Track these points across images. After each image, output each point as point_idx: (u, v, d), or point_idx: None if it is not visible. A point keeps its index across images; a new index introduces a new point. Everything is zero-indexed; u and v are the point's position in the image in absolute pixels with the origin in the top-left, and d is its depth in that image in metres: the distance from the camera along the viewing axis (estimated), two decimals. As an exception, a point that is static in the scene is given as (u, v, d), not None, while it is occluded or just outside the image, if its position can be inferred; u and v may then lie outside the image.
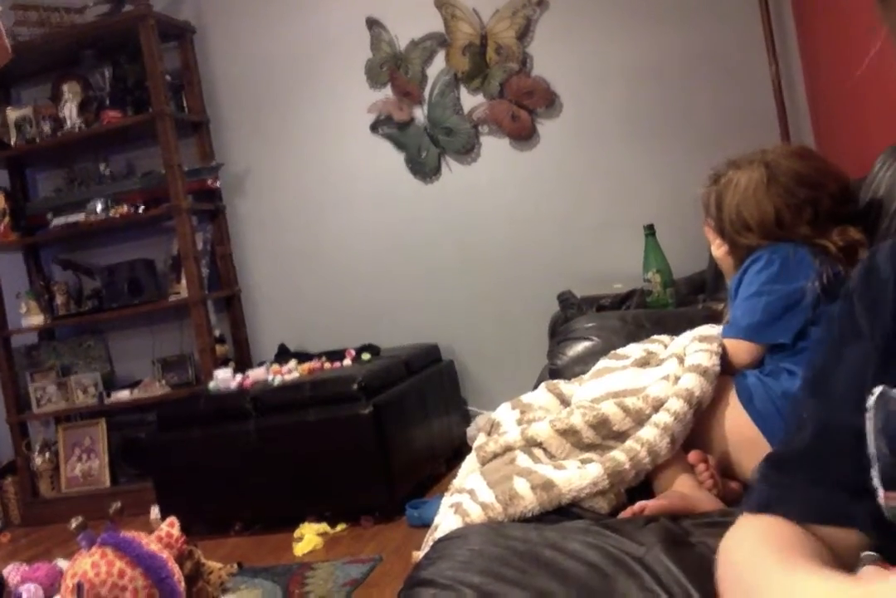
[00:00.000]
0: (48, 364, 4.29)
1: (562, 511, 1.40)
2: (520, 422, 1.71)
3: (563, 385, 1.86)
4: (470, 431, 3.79)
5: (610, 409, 1.56)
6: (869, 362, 0.77)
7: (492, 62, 3.85)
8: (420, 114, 3.97)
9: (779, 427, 1.52)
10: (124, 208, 3.96)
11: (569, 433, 1.56)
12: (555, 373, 2.25)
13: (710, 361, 1.59)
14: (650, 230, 2.95)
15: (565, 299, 3.21)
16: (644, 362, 1.74)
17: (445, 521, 1.43)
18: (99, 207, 3.97)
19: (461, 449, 3.68)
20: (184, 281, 3.93)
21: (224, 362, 3.97)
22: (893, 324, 0.76)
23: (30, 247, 4.36)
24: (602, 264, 3.69)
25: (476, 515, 1.39)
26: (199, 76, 4.20)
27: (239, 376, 3.52)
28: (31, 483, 4.13)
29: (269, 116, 4.14)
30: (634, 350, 1.82)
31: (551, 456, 1.56)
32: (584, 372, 1.89)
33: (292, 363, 3.61)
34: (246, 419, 3.26)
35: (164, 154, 3.87)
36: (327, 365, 3.62)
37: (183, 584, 2.16)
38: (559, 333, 2.50)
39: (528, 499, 1.39)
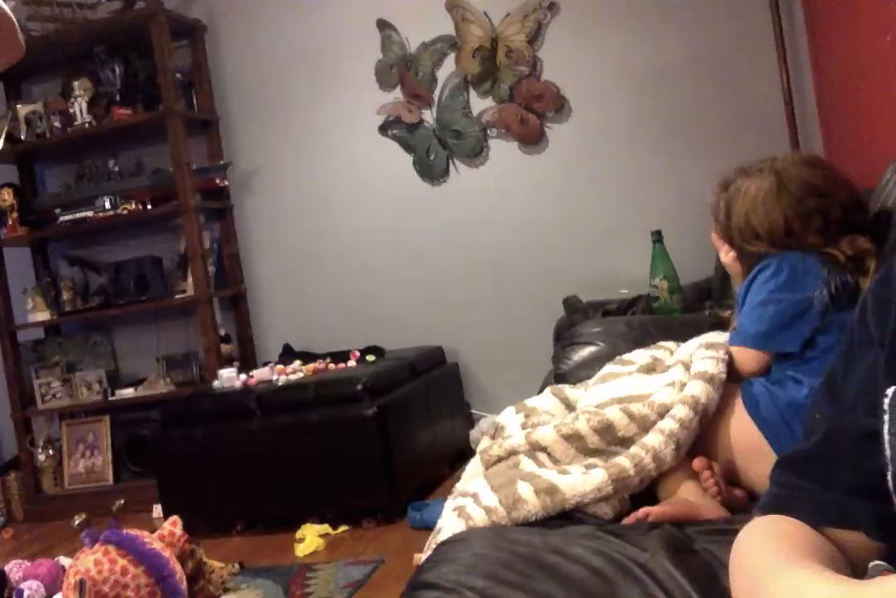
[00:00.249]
0: (53, 360, 4.29)
1: (565, 516, 1.40)
2: (524, 426, 1.71)
3: (568, 390, 1.86)
4: (473, 434, 3.79)
5: (615, 415, 1.56)
6: (879, 364, 0.77)
7: (502, 65, 3.85)
8: (429, 116, 3.97)
9: (784, 435, 1.52)
10: (132, 205, 3.97)
11: (573, 438, 1.56)
12: (560, 377, 2.25)
13: (716, 368, 1.59)
14: (657, 236, 2.94)
15: (571, 304, 3.21)
16: (650, 369, 1.74)
17: (448, 524, 1.42)
18: (107, 204, 3.98)
19: (464, 452, 3.68)
20: (190, 279, 3.93)
21: (229, 361, 3.97)
22: None
23: (37, 242, 4.37)
24: (608, 270, 3.69)
25: (479, 518, 1.39)
26: (210, 74, 4.21)
27: (243, 376, 3.52)
28: (35, 479, 4.13)
29: (279, 115, 4.15)
30: (640, 356, 1.81)
31: (556, 461, 1.57)
32: (589, 377, 1.89)
33: (297, 363, 3.62)
34: (250, 419, 3.26)
35: (172, 152, 3.87)
36: (332, 366, 3.62)
37: (184, 583, 2.16)
38: (564, 337, 2.50)
39: (532, 503, 1.39)
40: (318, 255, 4.15)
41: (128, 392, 4.04)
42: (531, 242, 3.87)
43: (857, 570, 0.74)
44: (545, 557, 1.13)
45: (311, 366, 3.58)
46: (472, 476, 1.64)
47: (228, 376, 3.51)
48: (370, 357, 3.62)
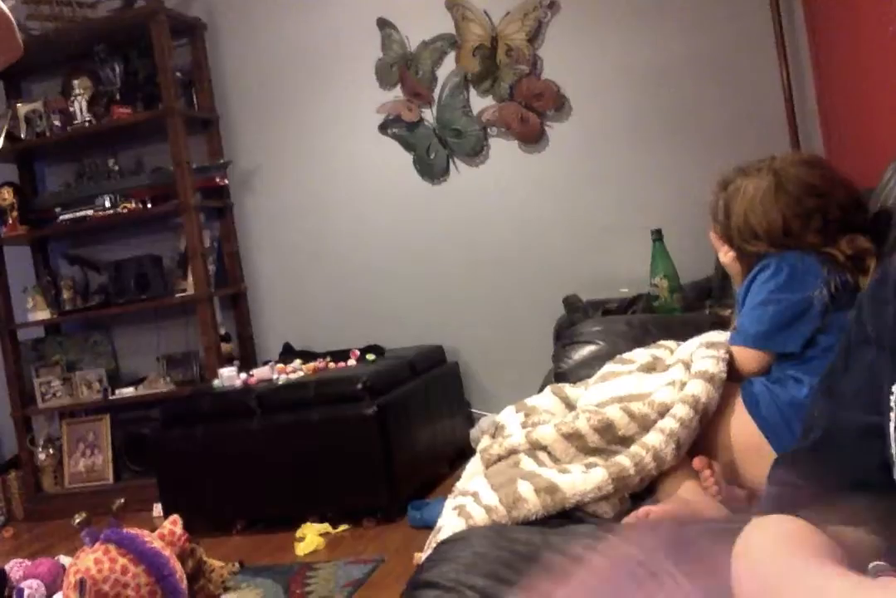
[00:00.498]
0: (54, 359, 4.29)
1: (566, 515, 1.40)
2: (524, 425, 1.71)
3: (568, 389, 1.86)
4: (473, 433, 3.79)
5: (615, 414, 1.56)
6: (879, 364, 0.77)
7: (502, 64, 3.85)
8: (429, 115, 3.97)
9: (784, 435, 1.52)
10: (132, 204, 3.96)
11: (574, 437, 1.56)
12: (560, 376, 2.25)
13: (716, 367, 1.59)
14: (657, 235, 2.94)
15: (571, 303, 3.21)
16: (650, 368, 1.74)
17: (449, 523, 1.43)
18: (107, 203, 3.98)
19: (464, 451, 3.68)
20: (190, 278, 3.93)
21: (229, 360, 3.97)
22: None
23: (37, 241, 4.36)
24: (609, 268, 3.69)
25: (480, 517, 1.40)
26: (210, 73, 4.20)
27: (244, 375, 3.52)
28: (35, 478, 4.13)
29: (279, 114, 4.15)
30: (641, 355, 1.81)
31: (556, 460, 1.57)
32: (589, 376, 1.89)
33: (297, 362, 3.62)
34: (250, 418, 3.26)
35: (172, 150, 3.87)
36: (332, 365, 3.62)
37: (185, 582, 2.16)
38: (565, 336, 2.50)
39: (532, 502, 1.39)
40: (318, 253, 4.15)
41: (128, 391, 4.04)
42: (531, 240, 3.87)
43: (855, 564, 0.74)
44: (545, 556, 1.13)
45: (312, 365, 3.58)
46: (473, 475, 1.64)
47: (229, 375, 3.51)
48: (370, 356, 3.62)
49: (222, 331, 4.13)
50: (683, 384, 1.59)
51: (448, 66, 3.93)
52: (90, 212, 4.00)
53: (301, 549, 2.96)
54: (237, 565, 2.52)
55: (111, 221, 4.03)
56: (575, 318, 3.03)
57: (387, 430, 3.13)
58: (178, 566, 2.18)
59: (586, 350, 2.29)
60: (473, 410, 3.97)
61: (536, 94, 3.82)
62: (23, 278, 4.24)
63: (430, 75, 3.95)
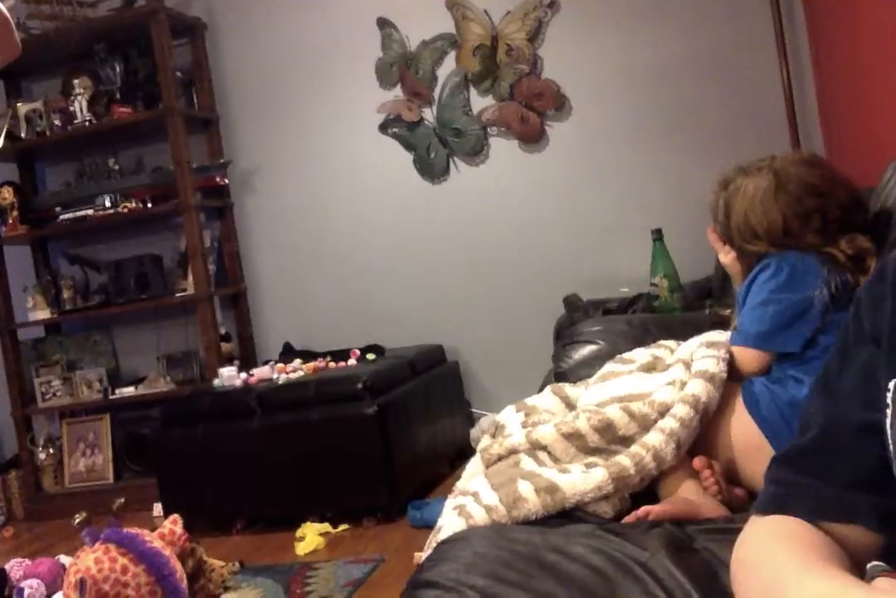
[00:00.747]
0: (54, 359, 4.29)
1: (566, 515, 1.40)
2: (524, 425, 1.71)
3: (568, 388, 1.86)
4: (473, 432, 3.78)
5: (615, 413, 1.56)
6: (876, 360, 0.77)
7: (502, 64, 3.85)
8: (429, 114, 3.97)
9: (784, 434, 1.52)
10: (132, 204, 3.96)
11: (574, 437, 1.56)
12: (560, 376, 2.25)
13: (717, 367, 1.59)
14: (658, 235, 2.94)
15: (571, 302, 3.21)
16: (650, 367, 1.74)
17: (449, 523, 1.42)
18: (107, 202, 3.98)
19: (464, 451, 3.68)
20: (190, 278, 3.93)
21: (229, 360, 3.97)
22: (893, 319, 0.76)
23: (38, 241, 4.37)
24: (609, 268, 3.69)
25: (480, 517, 1.39)
26: (210, 73, 4.20)
27: (244, 374, 3.52)
28: (35, 478, 4.13)
29: (279, 114, 4.15)
30: (641, 355, 1.81)
31: (556, 460, 1.57)
32: (589, 376, 1.89)
33: (297, 362, 3.62)
34: (250, 417, 3.26)
35: (173, 150, 3.87)
36: (332, 364, 3.62)
37: (185, 581, 2.16)
38: (565, 336, 2.50)
39: (532, 502, 1.39)
40: (318, 253, 4.15)
41: (128, 391, 4.04)
42: (531, 240, 3.87)
43: (854, 563, 0.74)
44: (545, 556, 1.13)
45: (312, 364, 3.58)
46: (473, 475, 1.64)
47: (229, 375, 3.51)
48: (370, 356, 3.62)
49: (222, 331, 4.13)
50: (684, 384, 1.59)
51: (448, 65, 3.93)
52: (90, 211, 4.00)
53: (301, 549, 2.96)
54: (237, 564, 2.52)
55: (111, 221, 4.03)
56: (575, 317, 3.03)
57: (387, 429, 3.13)
58: (178, 565, 2.18)
59: (586, 350, 2.29)
60: (473, 409, 3.97)
61: (536, 93, 3.82)
62: (23, 278, 4.24)
63: (431, 75, 3.95)
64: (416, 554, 2.46)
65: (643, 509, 1.40)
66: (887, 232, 1.64)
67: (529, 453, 1.58)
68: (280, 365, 3.58)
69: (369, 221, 4.07)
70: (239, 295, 4.23)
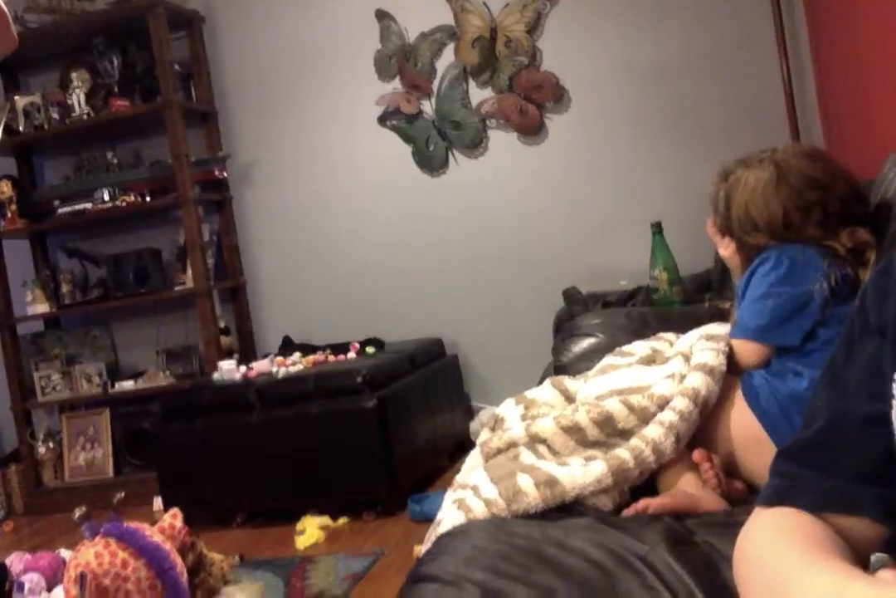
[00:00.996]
0: (53, 353, 4.29)
1: (565, 508, 1.40)
2: (524, 418, 1.71)
3: (567, 382, 1.86)
4: (473, 426, 3.79)
5: (615, 406, 1.56)
6: (881, 353, 0.77)
7: (501, 56, 3.84)
8: (428, 107, 3.96)
9: (784, 427, 1.51)
10: (131, 197, 3.96)
11: (573, 430, 1.56)
12: (560, 369, 2.25)
13: (716, 360, 1.59)
14: (657, 228, 2.94)
15: (571, 296, 3.20)
16: (650, 360, 1.74)
17: (448, 516, 1.42)
18: (106, 196, 3.97)
19: (464, 444, 3.69)
20: (189, 271, 3.93)
21: (229, 354, 3.97)
22: None
23: (36, 235, 4.36)
24: (608, 261, 3.69)
25: (479, 511, 1.39)
26: (208, 66, 4.19)
27: (243, 368, 3.52)
28: (35, 472, 4.13)
29: (277, 107, 4.14)
30: (640, 348, 1.81)
31: (555, 453, 1.56)
32: (588, 369, 1.89)
33: (296, 356, 3.62)
34: (250, 411, 3.26)
35: (171, 144, 3.87)
36: (331, 358, 3.62)
37: (185, 575, 2.16)
38: (564, 329, 2.50)
39: (532, 496, 1.39)
40: (317, 246, 4.14)
41: (128, 385, 4.04)
42: (531, 233, 3.86)
43: (858, 555, 0.74)
44: (545, 549, 1.13)
45: (311, 358, 3.58)
46: (472, 468, 1.64)
47: (228, 369, 3.51)
48: (370, 349, 3.62)
49: (222, 324, 4.13)
50: (683, 377, 1.59)
51: (447, 57, 3.92)
52: (89, 205, 4.00)
53: (301, 542, 2.97)
54: (237, 558, 2.52)
55: (110, 215, 4.02)
56: (574, 310, 3.03)
57: (386, 423, 3.13)
58: (178, 559, 2.18)
59: (586, 343, 2.29)
60: (473, 403, 3.97)
61: (536, 85, 3.81)
62: (22, 272, 4.23)
63: (429, 67, 3.94)
64: (416, 548, 2.47)
65: (642, 502, 1.40)
66: (887, 225, 1.64)
67: (529, 446, 1.58)
68: (279, 359, 3.58)
69: (368, 213, 4.06)
70: (238, 289, 4.23)
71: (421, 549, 1.38)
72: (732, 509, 1.43)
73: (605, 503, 1.43)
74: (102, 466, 4.10)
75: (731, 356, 1.64)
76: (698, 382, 1.55)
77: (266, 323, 4.26)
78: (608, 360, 1.81)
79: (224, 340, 4.04)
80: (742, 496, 1.52)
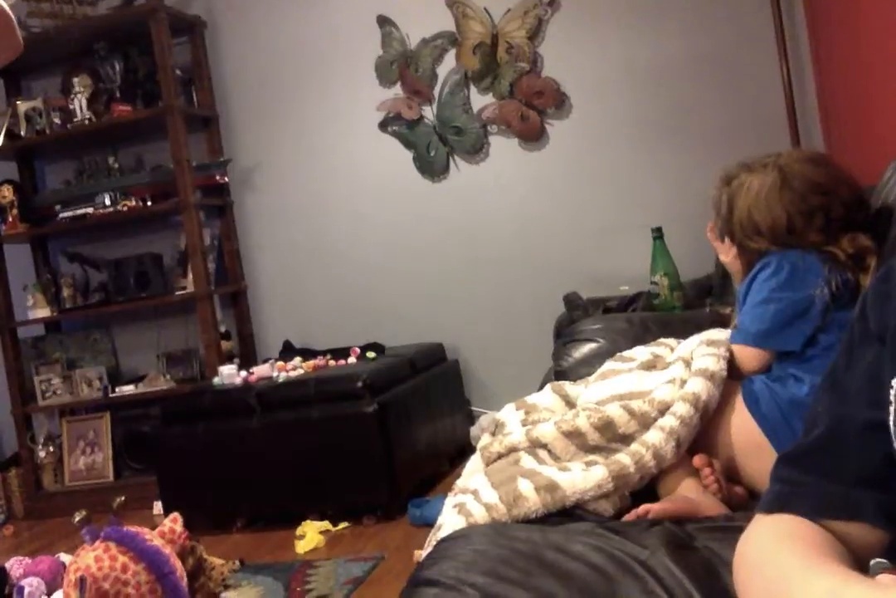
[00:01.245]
0: (54, 357, 4.29)
1: (566, 513, 1.40)
2: (524, 423, 1.71)
3: (568, 387, 1.86)
4: (473, 431, 3.79)
5: (615, 411, 1.56)
6: (881, 359, 0.78)
7: (502, 62, 3.85)
8: (429, 112, 3.97)
9: (784, 433, 1.52)
10: (132, 202, 3.96)
11: (574, 435, 1.56)
12: (560, 374, 2.25)
13: (717, 365, 1.59)
14: (658, 233, 2.94)
15: (571, 301, 3.20)
16: (650, 366, 1.74)
17: (449, 521, 1.42)
18: (107, 201, 3.97)
19: (464, 449, 3.69)
20: (190, 276, 3.93)
21: (229, 358, 3.97)
22: None
23: (37, 239, 4.36)
24: (609, 266, 3.69)
25: (480, 515, 1.39)
26: (209, 71, 4.20)
27: (244, 372, 3.52)
28: (35, 476, 4.13)
29: (279, 112, 4.15)
30: (641, 353, 1.81)
31: (556, 458, 1.56)
32: (589, 374, 1.89)
33: (297, 360, 3.62)
34: (250, 415, 3.26)
35: (172, 148, 3.87)
36: (332, 363, 3.62)
37: (185, 580, 2.16)
38: (565, 334, 2.50)
39: (532, 500, 1.39)
40: (318, 251, 4.15)
41: (128, 389, 4.04)
42: (531, 238, 3.87)
43: (858, 561, 0.74)
44: (545, 554, 1.13)
45: (312, 363, 3.58)
46: (473, 473, 1.64)
47: (229, 373, 3.51)
48: (370, 354, 3.62)
49: (222, 329, 4.13)
50: (684, 382, 1.59)
51: (448, 63, 3.93)
52: (90, 210, 4.00)
53: (301, 547, 2.96)
54: (237, 562, 2.51)
55: (111, 219, 4.02)
56: (575, 316, 3.03)
57: (387, 428, 3.13)
58: (178, 563, 2.17)
59: (586, 348, 2.29)
60: (473, 408, 3.97)
61: (537, 91, 3.82)
62: (23, 276, 4.24)
63: (431, 73, 3.95)
64: (416, 552, 2.46)
65: (643, 507, 1.40)
66: (887, 230, 1.64)
67: (529, 451, 1.58)
68: (280, 363, 3.58)
69: (369, 219, 4.06)
70: (239, 293, 4.23)
71: (421, 554, 1.38)
72: (733, 514, 1.43)
73: (605, 508, 1.43)
74: (102, 470, 4.10)
75: (731, 361, 1.64)
76: (699, 387, 1.55)
77: (267, 327, 4.26)
78: (609, 365, 1.81)
79: (225, 344, 4.04)
80: (742, 501, 1.52)
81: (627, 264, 3.49)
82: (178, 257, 4.17)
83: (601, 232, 3.77)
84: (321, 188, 4.12)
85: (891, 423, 0.74)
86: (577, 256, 3.79)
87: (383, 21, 3.97)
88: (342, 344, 3.85)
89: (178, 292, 4.03)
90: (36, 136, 4.09)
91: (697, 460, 1.53)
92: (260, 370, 3.53)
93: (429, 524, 1.95)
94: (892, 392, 0.74)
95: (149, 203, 3.99)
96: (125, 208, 3.96)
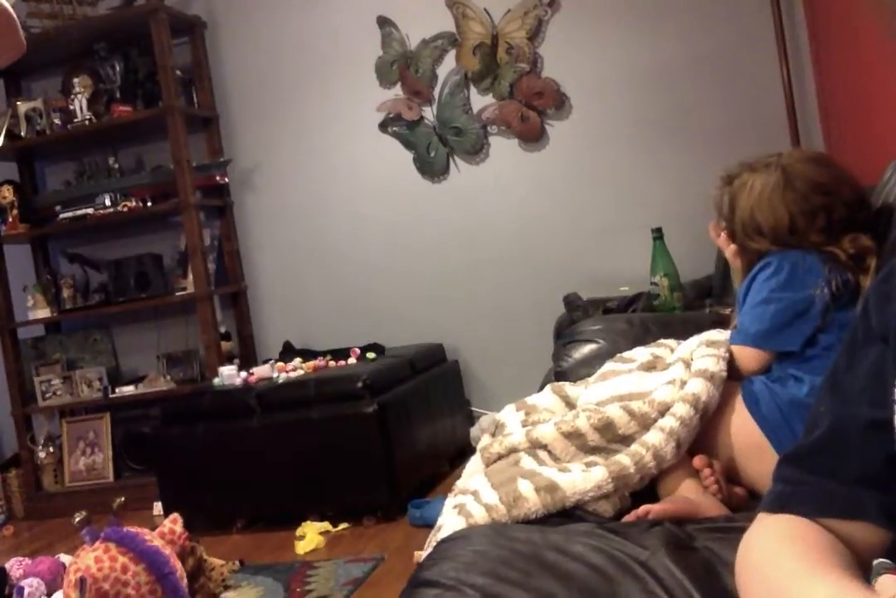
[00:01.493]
0: (54, 357, 4.30)
1: (566, 514, 1.40)
2: (524, 424, 1.71)
3: (568, 387, 1.86)
4: (473, 431, 3.79)
5: (615, 412, 1.56)
6: (884, 359, 0.78)
7: (502, 62, 3.85)
8: (429, 113, 3.97)
9: (784, 433, 1.51)
10: (132, 203, 3.97)
11: (574, 436, 1.56)
12: (560, 375, 2.25)
13: (717, 366, 1.59)
14: (658, 233, 2.94)
15: (571, 301, 3.20)
16: (650, 366, 1.74)
17: (449, 522, 1.42)
18: (107, 201, 3.98)
19: (464, 450, 3.69)
20: (190, 276, 3.93)
21: (229, 359, 3.97)
22: None
23: (38, 239, 4.37)
24: (609, 267, 3.69)
25: (480, 516, 1.39)
26: (210, 71, 4.21)
27: (244, 373, 3.52)
28: (35, 477, 4.13)
29: (279, 112, 4.15)
30: (641, 354, 1.81)
31: (556, 459, 1.56)
32: (589, 375, 1.88)
33: (297, 361, 3.62)
34: (250, 416, 3.26)
35: (173, 149, 3.87)
36: (332, 363, 3.62)
37: (185, 580, 2.16)
38: (565, 335, 2.49)
39: (532, 501, 1.39)
40: (318, 252, 4.15)
41: (128, 390, 4.04)
42: (531, 239, 3.87)
43: (861, 562, 0.74)
44: (545, 554, 1.13)
45: (312, 363, 3.58)
46: (473, 474, 1.64)
47: (229, 374, 3.51)
48: (370, 355, 3.62)
49: (222, 329, 4.13)
50: (684, 383, 1.59)
51: (448, 64, 3.93)
52: (90, 210, 4.01)
53: (301, 547, 2.96)
54: (237, 563, 2.52)
55: (111, 220, 4.02)
56: (575, 316, 3.02)
57: (387, 428, 3.13)
58: (178, 564, 2.18)
59: (586, 349, 2.29)
60: (473, 408, 3.97)
61: (537, 92, 3.82)
62: (23, 277, 4.24)
63: (431, 73, 3.95)
64: (416, 553, 2.46)
65: (643, 507, 1.39)
66: (887, 231, 1.64)
67: (529, 452, 1.58)
68: (280, 364, 3.58)
69: (369, 219, 4.07)
70: (239, 294, 4.23)
71: (421, 554, 1.38)
72: (733, 514, 1.42)
73: (605, 509, 1.43)
74: (102, 470, 4.10)
75: (731, 362, 1.64)
76: (699, 388, 1.55)
77: (267, 328, 4.26)
78: (609, 366, 1.81)
79: (225, 345, 4.04)
80: (742, 502, 1.52)
81: (627, 265, 3.49)
82: (178, 258, 4.17)
83: (601, 233, 3.77)
84: (321, 189, 4.12)
85: (895, 422, 0.74)
86: (577, 257, 3.79)
87: (383, 22, 3.97)
88: (342, 345, 3.86)
89: (178, 293, 4.03)
90: (36, 136, 4.09)
91: (697, 460, 1.53)
92: (260, 371, 3.53)
93: (429, 524, 1.95)
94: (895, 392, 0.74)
95: (149, 204, 3.99)
96: (125, 209, 3.96)
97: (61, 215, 4.07)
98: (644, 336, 2.14)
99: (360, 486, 3.15)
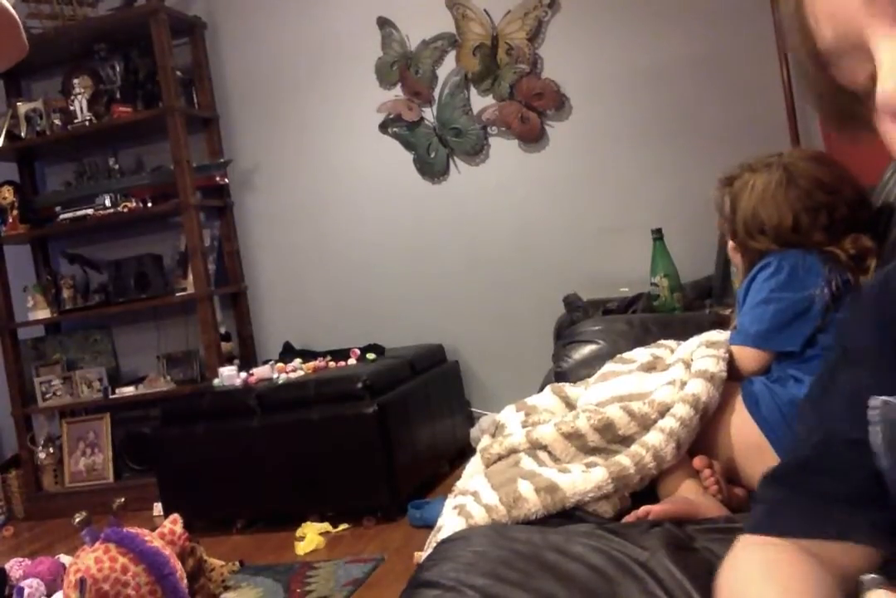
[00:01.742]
0: (54, 358, 4.30)
1: (566, 515, 1.40)
2: (524, 424, 1.71)
3: (568, 388, 1.86)
4: (473, 432, 3.79)
5: (615, 413, 1.56)
6: (860, 380, 0.77)
7: (502, 63, 3.85)
8: (429, 114, 3.97)
9: (784, 434, 1.51)
10: (132, 203, 3.97)
11: (574, 437, 1.55)
12: (560, 376, 2.25)
13: (717, 366, 1.59)
14: (658, 234, 2.94)
15: (571, 302, 3.20)
16: (650, 367, 1.73)
17: (449, 522, 1.42)
18: (107, 202, 3.98)
19: (464, 450, 3.69)
20: (190, 277, 3.93)
21: (229, 359, 3.97)
22: (881, 335, 0.76)
23: (38, 240, 4.37)
24: (609, 268, 3.69)
25: (480, 517, 1.39)
26: (210, 72, 4.21)
27: (244, 374, 3.52)
28: (35, 477, 4.13)
29: (279, 113, 4.15)
30: (641, 354, 1.81)
31: (556, 459, 1.56)
32: (589, 375, 1.88)
33: (297, 362, 3.62)
34: (250, 417, 3.26)
35: (173, 149, 3.87)
36: (332, 364, 3.62)
37: (185, 581, 2.16)
38: (565, 335, 2.50)
39: (532, 502, 1.39)
40: (318, 253, 4.15)
41: (128, 390, 4.04)
42: (531, 239, 3.87)
43: (845, 585, 0.73)
44: (545, 555, 1.13)
45: (312, 364, 3.58)
46: (473, 474, 1.64)
47: (229, 374, 3.51)
48: (370, 355, 3.62)
49: (222, 330, 4.13)
50: (684, 384, 1.59)
51: (448, 65, 3.93)
52: (90, 211, 4.01)
53: (301, 548, 2.96)
54: (237, 564, 2.52)
55: (111, 220, 4.03)
56: (575, 317, 3.02)
57: (387, 429, 3.13)
58: (178, 565, 2.18)
59: (586, 349, 2.29)
60: (473, 409, 3.97)
61: (537, 93, 3.82)
62: (23, 277, 4.24)
63: (431, 74, 3.95)
64: (416, 554, 2.46)
65: (643, 508, 1.39)
66: (887, 231, 1.64)
67: (529, 452, 1.58)
68: (280, 365, 3.58)
69: (369, 220, 4.07)
70: (239, 294, 4.23)
71: (421, 555, 1.38)
72: (733, 515, 1.42)
73: (605, 510, 1.43)
74: (102, 471, 4.10)
75: (731, 362, 1.64)
76: (699, 388, 1.55)
77: (267, 329, 4.26)
78: (609, 366, 1.81)
79: (225, 345, 4.04)
80: (742, 503, 1.52)
81: (627, 266, 3.49)
82: (178, 258, 4.17)
83: (601, 233, 3.77)
84: (321, 189, 4.12)
85: (872, 443, 0.73)
86: (577, 258, 3.80)
87: (383, 22, 3.97)
88: (342, 345, 3.86)
89: (178, 293, 4.03)
90: (36, 137, 4.09)
91: (697, 461, 1.53)
92: (260, 372, 3.53)
93: (429, 525, 1.95)
94: (871, 412, 0.73)
95: (149, 204, 3.99)
96: (125, 209, 3.96)
97: (61, 216, 4.08)
98: (644, 337, 2.14)
99: (360, 486, 3.15)
